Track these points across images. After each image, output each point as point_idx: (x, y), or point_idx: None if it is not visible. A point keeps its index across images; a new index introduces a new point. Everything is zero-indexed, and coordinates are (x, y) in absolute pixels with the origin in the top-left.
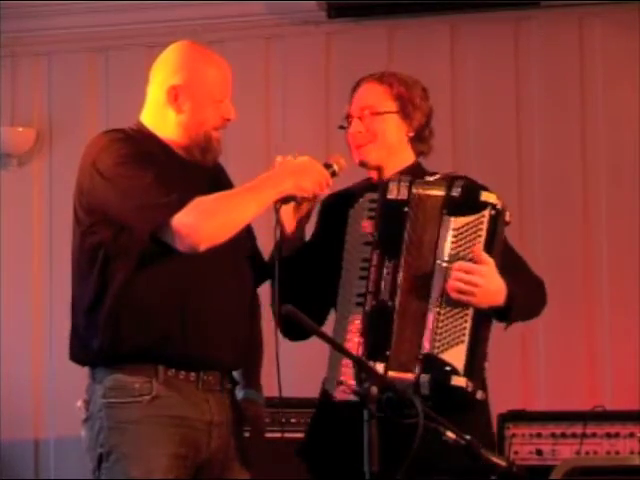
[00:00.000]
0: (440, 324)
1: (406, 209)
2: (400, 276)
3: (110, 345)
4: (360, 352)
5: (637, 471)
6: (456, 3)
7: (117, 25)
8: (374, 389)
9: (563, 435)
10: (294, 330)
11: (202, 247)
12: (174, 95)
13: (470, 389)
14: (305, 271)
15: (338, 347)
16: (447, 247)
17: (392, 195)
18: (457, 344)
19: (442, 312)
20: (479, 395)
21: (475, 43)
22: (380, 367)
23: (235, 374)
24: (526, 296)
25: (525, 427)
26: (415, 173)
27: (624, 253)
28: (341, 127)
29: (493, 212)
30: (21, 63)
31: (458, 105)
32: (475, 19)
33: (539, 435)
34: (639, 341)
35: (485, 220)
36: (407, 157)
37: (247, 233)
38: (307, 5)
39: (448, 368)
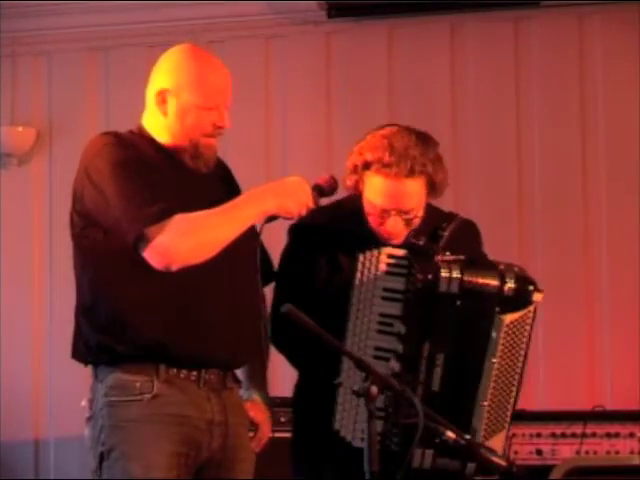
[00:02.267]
0: (487, 415)
1: (458, 302)
2: (452, 371)
3: (111, 344)
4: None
5: (637, 471)
6: (456, 3)
7: (117, 25)
8: (374, 389)
9: (563, 435)
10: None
11: (175, 267)
12: (162, 98)
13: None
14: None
15: (338, 347)
16: (499, 344)
17: (443, 289)
18: (499, 431)
19: (489, 404)
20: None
21: (475, 43)
22: (429, 455)
23: (239, 374)
24: None
25: (525, 427)
26: (432, 218)
27: (624, 253)
28: (369, 214)
29: (536, 306)
30: (21, 63)
31: (458, 105)
32: (475, 19)
33: (539, 435)
34: (639, 341)
35: (531, 316)
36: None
37: (251, 233)
38: (307, 5)
39: (492, 457)
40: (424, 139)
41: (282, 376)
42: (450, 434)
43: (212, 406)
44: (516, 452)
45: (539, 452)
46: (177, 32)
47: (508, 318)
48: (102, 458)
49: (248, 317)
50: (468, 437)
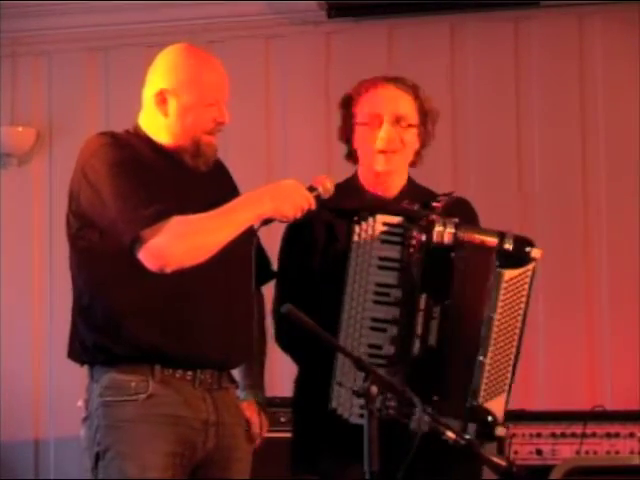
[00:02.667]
0: (487, 374)
1: (453, 255)
2: (448, 323)
3: (106, 344)
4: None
5: (637, 471)
6: (456, 3)
7: (117, 25)
8: (374, 389)
9: (563, 435)
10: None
11: (169, 269)
12: (161, 98)
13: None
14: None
15: (338, 347)
16: (499, 299)
17: (437, 239)
18: (499, 394)
19: (489, 363)
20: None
21: (475, 43)
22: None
23: (236, 374)
24: None
25: (525, 427)
26: (413, 191)
27: (624, 253)
28: (361, 124)
29: (535, 265)
30: (21, 63)
31: (458, 105)
32: (475, 19)
33: (539, 435)
34: (639, 341)
35: (530, 274)
36: (406, 170)
37: (247, 234)
38: (307, 5)
39: (491, 418)
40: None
41: (282, 376)
42: (450, 434)
43: (207, 406)
44: (516, 452)
45: (539, 452)
46: (177, 32)
47: (507, 274)
48: (98, 458)
49: (243, 318)
50: (468, 437)
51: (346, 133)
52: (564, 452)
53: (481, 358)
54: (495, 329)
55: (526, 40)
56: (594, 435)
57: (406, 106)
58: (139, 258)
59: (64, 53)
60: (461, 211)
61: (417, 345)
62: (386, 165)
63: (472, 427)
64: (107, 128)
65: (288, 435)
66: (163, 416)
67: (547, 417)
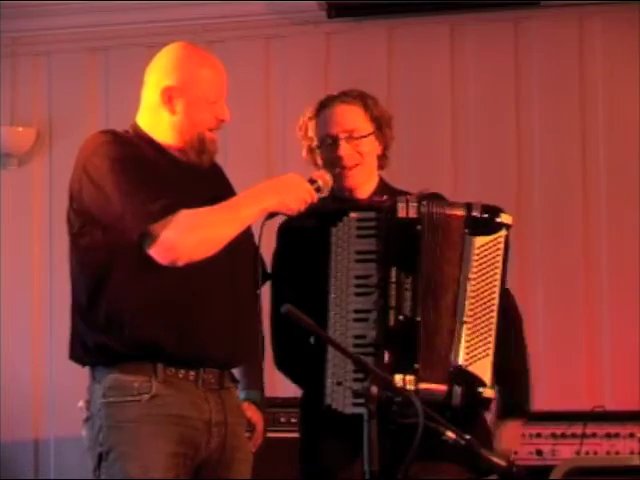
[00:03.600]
0: (468, 338)
1: (419, 227)
2: (421, 291)
3: (109, 344)
4: (384, 365)
5: (637, 471)
6: (456, 3)
7: (117, 25)
8: (374, 389)
9: (563, 435)
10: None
11: (181, 262)
12: (168, 96)
13: (494, 397)
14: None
15: (337, 347)
16: (471, 264)
17: (402, 214)
18: (484, 357)
19: (470, 327)
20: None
21: (475, 43)
22: (411, 379)
23: (235, 374)
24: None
25: (525, 427)
26: (385, 191)
27: (624, 253)
28: (318, 147)
29: (507, 232)
30: (21, 63)
31: (458, 105)
32: (475, 19)
33: (539, 435)
34: (639, 341)
35: (502, 240)
36: (375, 174)
37: (247, 234)
38: (307, 5)
39: (477, 381)
40: (370, 94)
41: (282, 376)
42: (450, 434)
43: (210, 406)
44: (516, 452)
45: (539, 452)
46: (177, 32)
47: (478, 240)
48: (101, 459)
49: (246, 316)
50: (468, 437)
51: (312, 158)
52: (564, 452)
53: (459, 323)
54: (471, 294)
55: (526, 40)
56: (594, 435)
57: (355, 119)
58: (149, 253)
59: (64, 53)
60: None
61: (392, 317)
62: (351, 180)
63: (458, 391)
64: (107, 128)
65: (288, 435)
66: (166, 416)
67: (547, 417)
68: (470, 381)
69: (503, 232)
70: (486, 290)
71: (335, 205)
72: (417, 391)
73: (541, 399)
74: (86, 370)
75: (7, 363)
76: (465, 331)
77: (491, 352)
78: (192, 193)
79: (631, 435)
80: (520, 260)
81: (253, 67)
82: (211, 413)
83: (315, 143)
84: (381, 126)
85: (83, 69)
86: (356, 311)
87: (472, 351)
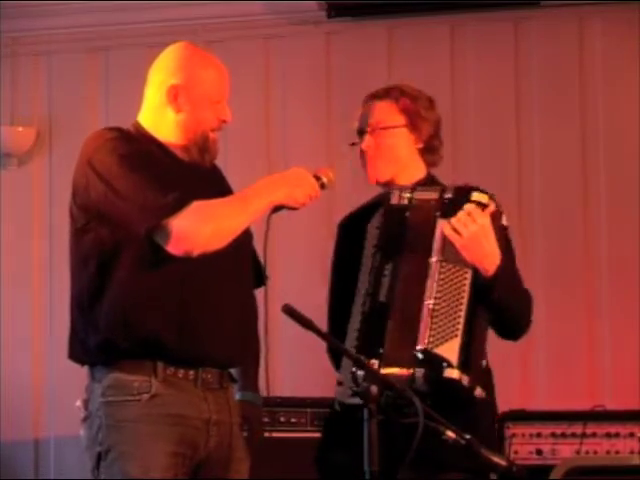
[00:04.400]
0: (434, 319)
1: (407, 214)
2: (398, 278)
3: (108, 343)
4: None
5: (637, 471)
6: (456, 3)
7: (117, 25)
8: (374, 388)
9: (563, 435)
10: None
11: (196, 252)
12: (174, 94)
13: (466, 383)
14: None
15: (337, 346)
16: (439, 245)
17: (395, 201)
18: (451, 338)
19: (436, 308)
20: (478, 392)
21: (475, 43)
22: (374, 364)
23: (234, 374)
24: (514, 284)
25: (525, 427)
26: (428, 185)
27: (624, 253)
28: (353, 144)
29: (483, 211)
30: (21, 63)
31: (458, 105)
32: (475, 19)
33: (539, 435)
34: (639, 341)
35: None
36: (418, 170)
37: (247, 234)
38: (307, 5)
39: (441, 362)
40: (418, 90)
41: (282, 376)
42: (450, 434)
43: (209, 405)
44: (516, 452)
45: (539, 452)
46: (177, 32)
47: (445, 221)
48: (99, 458)
49: (247, 316)
50: (468, 437)
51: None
52: (564, 452)
53: (426, 302)
54: (440, 277)
55: (526, 40)
56: (594, 435)
57: (380, 112)
58: (163, 244)
59: (64, 53)
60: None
61: (367, 303)
62: (373, 173)
63: (420, 373)
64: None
65: (288, 435)
66: (166, 416)
67: (547, 417)
68: (434, 363)
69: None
70: (457, 271)
71: (370, 203)
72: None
73: (541, 399)
74: (86, 370)
75: (7, 363)
76: (432, 314)
77: (460, 333)
78: (195, 191)
79: (631, 435)
80: (520, 260)
81: (253, 67)
82: (210, 413)
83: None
84: (413, 119)
85: (83, 69)
86: (362, 304)
87: (439, 332)
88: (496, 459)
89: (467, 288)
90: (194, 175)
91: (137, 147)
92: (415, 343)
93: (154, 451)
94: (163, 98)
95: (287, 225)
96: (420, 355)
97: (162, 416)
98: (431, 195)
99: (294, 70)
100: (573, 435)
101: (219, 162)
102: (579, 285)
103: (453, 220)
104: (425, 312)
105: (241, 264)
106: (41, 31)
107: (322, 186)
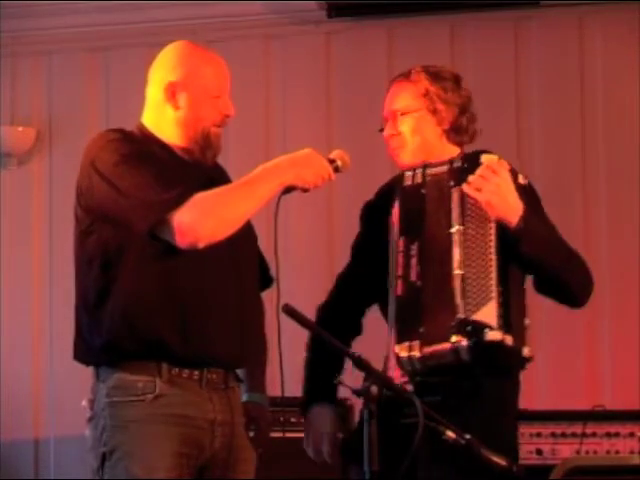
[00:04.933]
0: (467, 287)
1: (423, 191)
2: (424, 255)
3: (113, 344)
4: (393, 339)
5: (637, 471)
6: (456, 3)
7: (117, 25)
8: (374, 389)
9: (563, 435)
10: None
11: (202, 244)
12: (171, 92)
13: (510, 343)
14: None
15: (337, 345)
16: (457, 213)
17: (408, 182)
18: (487, 302)
19: (466, 275)
20: (526, 352)
21: (475, 43)
22: (416, 345)
23: (241, 375)
24: (547, 237)
25: (525, 427)
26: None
27: (624, 253)
28: (380, 130)
29: None
30: (21, 63)
31: None
32: (475, 19)
33: (539, 435)
34: (639, 341)
35: None
36: (448, 151)
37: (248, 234)
38: (307, 5)
39: (481, 327)
40: (444, 70)
41: (283, 375)
42: (450, 434)
43: (214, 406)
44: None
45: (539, 452)
46: (177, 32)
47: (462, 188)
48: (104, 458)
49: (252, 317)
50: (468, 437)
51: None
52: (564, 452)
53: (455, 272)
54: (465, 244)
55: (526, 40)
56: (594, 435)
57: (400, 97)
58: (168, 238)
59: (64, 53)
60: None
61: (399, 286)
62: (400, 160)
63: (463, 343)
64: (107, 128)
65: (287, 435)
66: (170, 416)
67: (547, 417)
68: (475, 330)
69: None
70: (480, 234)
71: (386, 187)
72: (422, 357)
73: (541, 399)
74: (86, 370)
75: (7, 363)
76: (463, 282)
77: (494, 295)
78: (198, 189)
79: (631, 434)
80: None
81: (253, 67)
82: (215, 413)
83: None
84: (433, 101)
85: (83, 69)
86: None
87: (473, 299)
88: (496, 459)
89: (493, 248)
90: (196, 173)
91: (140, 147)
92: (452, 315)
93: (158, 451)
94: (162, 96)
95: (290, 223)
96: (459, 325)
97: (167, 416)
98: (442, 168)
99: (294, 70)
100: (573, 435)
101: (219, 162)
102: None
103: (472, 178)
104: (457, 282)
105: (246, 265)
106: (41, 31)
107: (336, 169)
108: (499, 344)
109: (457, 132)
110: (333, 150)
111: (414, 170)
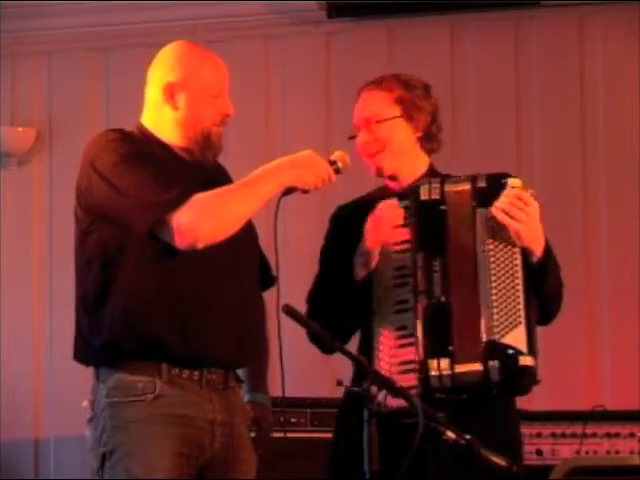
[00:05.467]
0: (495, 310)
1: (443, 207)
2: (450, 273)
3: (113, 344)
4: (420, 353)
5: (637, 471)
6: (456, 3)
7: (117, 25)
8: (374, 389)
9: (563, 435)
10: None
11: (200, 245)
12: (170, 92)
13: (535, 367)
14: (332, 287)
15: (337, 346)
16: (484, 236)
17: (425, 196)
18: (516, 326)
19: (494, 298)
20: (539, 375)
21: (475, 43)
22: (445, 363)
23: (241, 375)
24: (556, 266)
25: (525, 427)
26: (432, 177)
27: (624, 253)
28: (351, 138)
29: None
30: (21, 63)
31: (458, 105)
32: (475, 19)
33: (539, 435)
34: (639, 341)
35: None
36: (420, 159)
37: (249, 233)
38: (307, 5)
39: (512, 351)
40: (414, 78)
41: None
42: (450, 434)
43: (214, 406)
44: None
45: (539, 452)
46: (177, 32)
47: (487, 212)
48: (104, 459)
49: (252, 317)
50: (468, 437)
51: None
52: (564, 452)
53: (485, 297)
54: (492, 266)
55: (526, 40)
56: (594, 435)
57: (374, 104)
58: (168, 240)
59: (64, 53)
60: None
61: (424, 301)
62: (376, 167)
63: (495, 366)
64: (108, 128)
65: (287, 435)
66: (170, 416)
67: (547, 417)
68: (505, 353)
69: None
70: (506, 258)
71: (365, 198)
72: (453, 375)
73: (541, 399)
74: (86, 370)
75: (7, 363)
76: (492, 304)
77: (523, 319)
78: (198, 189)
79: (631, 435)
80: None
81: (253, 67)
82: (215, 413)
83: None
84: (408, 108)
85: (83, 69)
86: (397, 302)
87: (502, 322)
88: (496, 459)
89: (520, 273)
90: (197, 173)
91: (138, 147)
92: (480, 336)
93: (158, 451)
94: (161, 96)
95: (290, 224)
96: (489, 347)
97: (166, 416)
98: (463, 186)
99: (294, 70)
100: (573, 435)
101: (219, 162)
102: (579, 285)
103: (502, 205)
104: (485, 303)
105: (246, 265)
106: (41, 31)
107: (337, 171)
108: (530, 369)
109: (428, 140)
110: (333, 150)
111: (429, 184)
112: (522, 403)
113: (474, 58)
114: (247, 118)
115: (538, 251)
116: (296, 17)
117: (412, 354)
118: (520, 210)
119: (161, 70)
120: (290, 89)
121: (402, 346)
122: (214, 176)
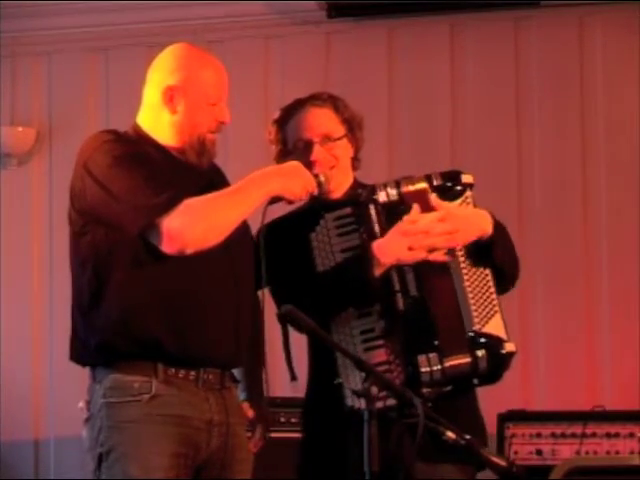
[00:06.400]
0: (472, 301)
1: (402, 207)
2: (422, 270)
3: (108, 344)
4: (400, 350)
5: (637, 471)
6: (456, 3)
7: (117, 25)
8: (374, 389)
9: (563, 435)
10: None
11: (189, 251)
12: (169, 96)
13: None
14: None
15: (337, 347)
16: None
17: (383, 199)
18: (493, 315)
19: (470, 290)
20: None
21: (475, 43)
22: (434, 358)
23: (237, 375)
24: (504, 236)
25: (525, 427)
26: (360, 188)
27: (624, 253)
28: (291, 152)
29: (472, 192)
30: (21, 63)
31: (458, 105)
32: (475, 19)
33: (539, 435)
34: (639, 341)
35: (470, 201)
36: (351, 176)
37: (244, 235)
38: (307, 5)
39: (495, 340)
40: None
41: (282, 376)
42: (450, 434)
43: (210, 406)
44: (516, 452)
45: (539, 452)
46: (177, 32)
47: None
48: (101, 459)
49: (247, 316)
50: (468, 437)
51: (282, 159)
52: (564, 452)
53: (460, 290)
54: (461, 259)
55: (526, 40)
56: (594, 435)
57: (328, 122)
58: (156, 243)
59: (64, 53)
60: None
61: (400, 300)
62: (332, 182)
63: (482, 356)
64: (107, 128)
65: (287, 435)
66: (167, 416)
67: (547, 417)
68: (490, 342)
69: (468, 193)
70: (470, 250)
71: (309, 210)
72: (444, 369)
73: (541, 399)
74: (86, 370)
75: (7, 363)
76: (468, 295)
77: (498, 307)
78: (192, 192)
79: (631, 435)
80: (520, 261)
81: (253, 67)
82: (211, 413)
83: (290, 146)
84: (352, 128)
85: (83, 69)
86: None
87: (481, 312)
88: (496, 459)
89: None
90: (191, 176)
91: (133, 148)
92: (462, 328)
93: (155, 452)
94: (160, 99)
95: None
96: (473, 338)
97: (163, 416)
98: (420, 185)
99: (294, 70)
100: (573, 435)
101: (219, 163)
102: (579, 285)
103: (425, 221)
104: (461, 297)
105: (241, 265)
106: (41, 31)
107: (319, 185)
108: (513, 354)
109: (357, 160)
110: None
111: (384, 186)
112: (522, 403)
113: (474, 58)
114: (246, 118)
115: (488, 230)
116: (296, 17)
117: (383, 355)
118: (444, 221)
119: (161, 72)
120: (290, 89)
121: (368, 349)
122: (210, 178)
